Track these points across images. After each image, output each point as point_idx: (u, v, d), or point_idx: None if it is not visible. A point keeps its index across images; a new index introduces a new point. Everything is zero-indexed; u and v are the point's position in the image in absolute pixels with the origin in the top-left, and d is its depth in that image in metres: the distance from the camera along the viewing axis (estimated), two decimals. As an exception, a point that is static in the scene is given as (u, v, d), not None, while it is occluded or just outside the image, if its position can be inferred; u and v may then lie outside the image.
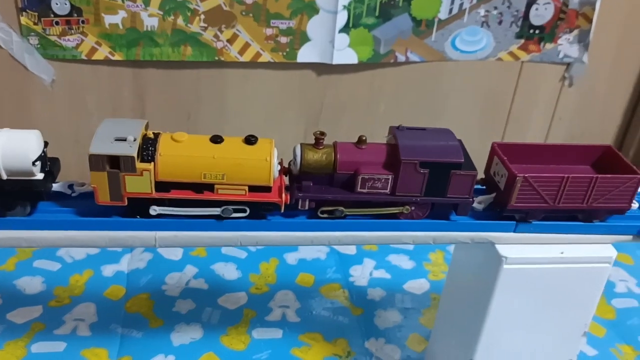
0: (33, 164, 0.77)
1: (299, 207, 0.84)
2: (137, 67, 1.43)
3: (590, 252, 0.90)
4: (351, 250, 1.47)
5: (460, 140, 0.87)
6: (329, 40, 1.45)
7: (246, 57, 1.45)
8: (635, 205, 0.89)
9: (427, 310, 1.30)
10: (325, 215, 0.84)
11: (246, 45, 1.43)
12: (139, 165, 0.77)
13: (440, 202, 0.85)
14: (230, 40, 1.42)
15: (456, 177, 0.83)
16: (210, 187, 0.80)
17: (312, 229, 0.86)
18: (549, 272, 0.89)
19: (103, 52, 1.38)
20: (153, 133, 0.80)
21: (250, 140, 0.80)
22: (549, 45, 1.58)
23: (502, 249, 0.88)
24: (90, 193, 0.80)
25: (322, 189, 0.84)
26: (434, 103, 1.63)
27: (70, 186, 0.84)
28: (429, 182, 0.83)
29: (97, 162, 0.76)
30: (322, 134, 0.83)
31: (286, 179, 0.86)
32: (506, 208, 0.87)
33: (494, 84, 1.63)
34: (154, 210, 0.80)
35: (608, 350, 1.25)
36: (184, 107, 1.52)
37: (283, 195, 0.81)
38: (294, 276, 1.37)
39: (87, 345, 1.15)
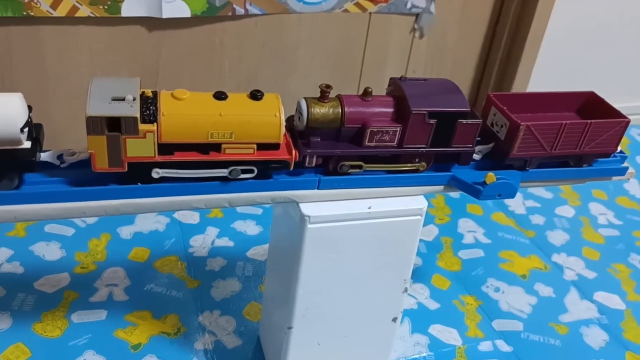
0: (21, 130, 0.68)
1: (307, 164, 0.80)
2: None
3: (400, 205, 0.85)
4: (194, 219, 1.38)
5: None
6: (154, -9, 1.32)
7: (60, 12, 1.29)
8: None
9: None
10: (344, 171, 0.82)
11: (59, -2, 1.28)
12: (142, 126, 0.69)
13: (445, 152, 0.84)
14: (39, -7, 1.26)
15: (462, 127, 0.82)
16: (216, 147, 0.75)
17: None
18: (358, 228, 0.84)
19: None
20: (151, 91, 0.73)
21: (256, 95, 0.76)
22: (395, -5, 1.53)
23: (305, 208, 0.81)
24: (81, 162, 0.75)
25: (329, 144, 0.80)
26: (283, 58, 1.54)
27: (60, 156, 0.76)
28: (435, 133, 0.81)
29: (94, 125, 0.68)
30: (328, 86, 0.78)
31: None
32: (508, 157, 0.87)
33: (344, 37, 1.56)
34: (157, 173, 0.73)
35: (451, 302, 1.24)
36: (-4, 71, 1.34)
37: (293, 152, 0.77)
38: (126, 251, 1.26)
39: None
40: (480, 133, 0.89)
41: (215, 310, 1.15)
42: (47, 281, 1.16)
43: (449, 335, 1.16)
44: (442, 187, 0.88)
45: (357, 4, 1.52)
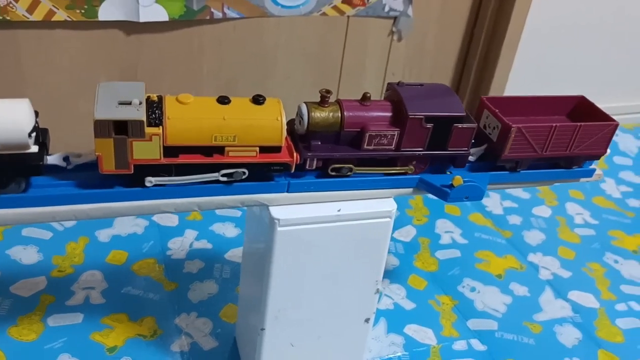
0: (29, 135, 0.70)
1: (307, 167, 0.82)
2: None
3: (369, 207, 0.86)
4: (173, 221, 1.38)
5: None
6: (131, -5, 1.33)
7: (37, 16, 1.29)
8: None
9: (246, 279, 1.25)
10: (334, 174, 0.84)
11: (35, 2, 1.28)
12: (148, 130, 0.72)
13: (441, 155, 0.86)
14: (15, -3, 1.26)
15: (457, 131, 0.84)
16: (220, 150, 0.77)
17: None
18: (328, 231, 0.85)
19: None
20: (156, 96, 0.75)
21: (258, 100, 0.78)
22: (373, -2, 1.54)
23: (275, 211, 0.82)
24: (86, 164, 0.77)
25: (329, 148, 0.83)
26: (261, 61, 1.55)
27: (66, 158, 0.78)
28: (432, 137, 0.84)
29: (102, 128, 0.70)
30: (328, 91, 0.81)
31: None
32: (500, 158, 0.90)
33: (322, 40, 1.58)
34: (150, 181, 0.76)
35: (426, 302, 1.26)
36: (-27, 75, 1.34)
37: (294, 155, 0.80)
38: (104, 255, 1.26)
39: None
40: (475, 135, 0.91)
41: (192, 312, 1.15)
42: (23, 285, 1.16)
43: (424, 335, 1.17)
44: (411, 189, 0.89)
45: (335, 8, 1.53)
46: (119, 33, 1.39)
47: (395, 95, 0.85)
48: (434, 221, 1.50)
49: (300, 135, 0.83)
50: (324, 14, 1.53)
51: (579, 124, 0.91)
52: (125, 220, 1.36)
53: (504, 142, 0.89)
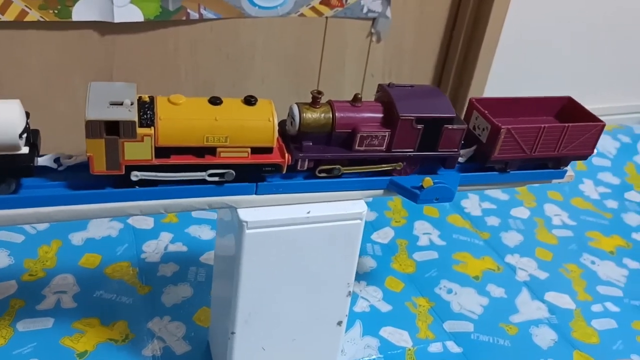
0: (20, 136, 0.70)
1: (298, 168, 0.82)
2: None
3: (339, 209, 0.86)
4: (148, 224, 1.37)
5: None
6: (105, -5, 1.31)
7: (9, 16, 1.27)
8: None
9: (221, 282, 1.23)
10: (323, 175, 0.84)
11: (7, 2, 1.26)
12: (139, 130, 0.72)
13: (431, 156, 0.87)
14: (-14, -3, 1.24)
15: (447, 132, 0.85)
16: (212, 150, 0.77)
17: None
18: (297, 233, 0.84)
19: None
20: (148, 97, 0.75)
21: (250, 101, 0.78)
22: (351, 0, 1.54)
23: (243, 213, 0.81)
24: (78, 165, 0.77)
25: (320, 149, 0.83)
26: (239, 63, 1.54)
27: (57, 160, 0.78)
28: (422, 138, 0.84)
29: (94, 128, 0.70)
30: (320, 92, 0.81)
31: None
32: (489, 159, 0.91)
33: (300, 41, 1.57)
34: (135, 175, 0.75)
35: (403, 304, 1.25)
36: (-57, 75, 1.32)
37: (286, 155, 0.80)
38: (77, 258, 1.25)
39: None
40: (464, 136, 0.91)
41: (166, 316, 1.14)
42: (-7, 289, 1.15)
43: (399, 337, 1.17)
44: (382, 191, 0.89)
45: (313, 9, 1.52)
46: (93, 34, 1.37)
47: (385, 96, 0.86)
48: (412, 223, 1.50)
49: (292, 136, 0.83)
50: (302, 15, 1.52)
51: (567, 124, 0.92)
52: (99, 223, 1.34)
53: (493, 143, 0.89)
